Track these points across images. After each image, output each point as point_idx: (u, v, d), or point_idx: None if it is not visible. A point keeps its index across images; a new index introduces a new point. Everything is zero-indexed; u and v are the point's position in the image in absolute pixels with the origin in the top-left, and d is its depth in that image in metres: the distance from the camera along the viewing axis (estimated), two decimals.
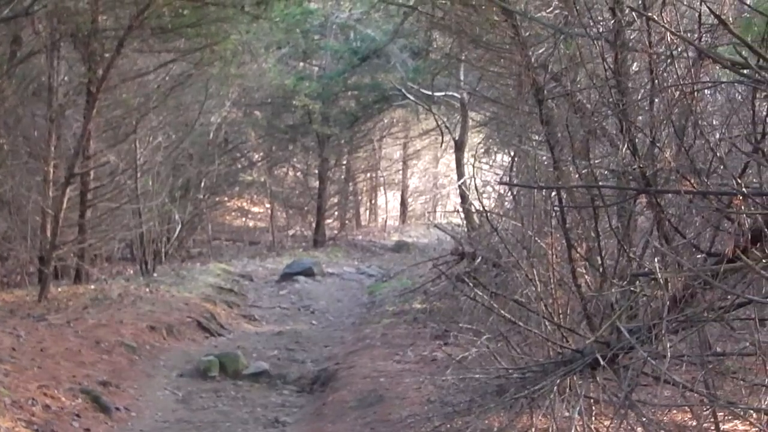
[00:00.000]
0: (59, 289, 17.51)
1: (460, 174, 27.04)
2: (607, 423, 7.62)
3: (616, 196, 8.21)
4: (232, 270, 24.87)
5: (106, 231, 20.99)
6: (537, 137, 12.44)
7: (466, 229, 20.28)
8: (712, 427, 7.15)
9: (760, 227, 6.08)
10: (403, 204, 43.58)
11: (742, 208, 5.97)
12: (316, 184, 36.11)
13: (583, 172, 8.64)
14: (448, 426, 8.66)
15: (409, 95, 29.90)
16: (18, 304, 15.75)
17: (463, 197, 23.62)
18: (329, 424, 10.79)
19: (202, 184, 29.24)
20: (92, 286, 18.40)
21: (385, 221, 42.48)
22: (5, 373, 10.88)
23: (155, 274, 21.61)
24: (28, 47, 17.77)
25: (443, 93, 28.21)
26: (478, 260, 15.16)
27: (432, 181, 45.29)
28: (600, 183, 8.39)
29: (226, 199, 35.62)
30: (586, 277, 8.65)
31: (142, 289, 18.40)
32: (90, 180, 19.12)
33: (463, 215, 21.61)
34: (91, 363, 12.61)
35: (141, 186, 21.29)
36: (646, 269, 7.36)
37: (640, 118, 8.26)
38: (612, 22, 8.61)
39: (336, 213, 39.07)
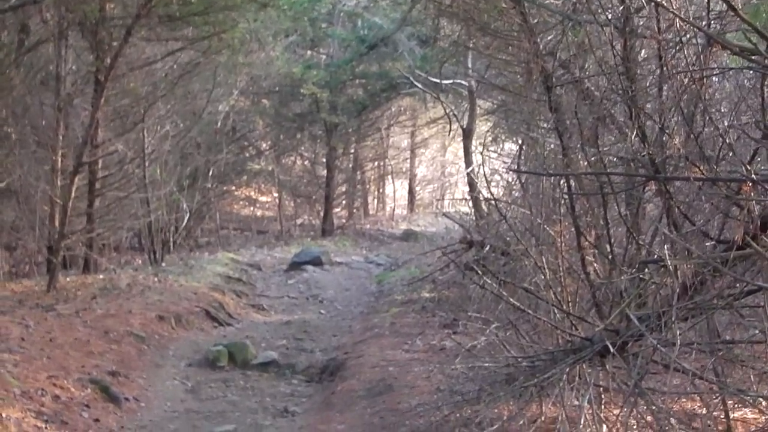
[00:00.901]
0: (68, 279, 17.53)
1: (468, 162, 27.01)
2: (616, 411, 7.61)
3: (625, 183, 8.20)
4: (241, 259, 24.86)
5: (114, 220, 21.04)
6: (545, 125, 12.41)
7: (474, 218, 20.23)
8: (722, 415, 7.15)
9: None
10: (411, 193, 43.56)
11: (752, 194, 5.95)
12: (324, 172, 36.14)
13: (592, 159, 8.61)
14: (458, 415, 8.66)
15: (416, 83, 29.85)
16: (27, 294, 15.77)
17: (472, 185, 23.57)
18: (338, 413, 10.79)
19: (210, 173, 29.26)
20: (101, 276, 18.42)
21: (393, 210, 42.47)
22: (14, 364, 10.89)
23: (164, 264, 21.64)
24: (36, 36, 17.80)
25: (451, 81, 28.11)
26: (487, 248, 15.12)
27: (440, 170, 45.28)
28: (609, 170, 8.36)
29: (233, 188, 35.64)
30: (595, 264, 8.63)
31: (151, 279, 18.41)
32: (98, 169, 19.17)
33: (471, 203, 21.59)
34: (99, 353, 12.62)
35: (149, 175, 21.34)
36: (656, 256, 7.34)
37: (649, 105, 8.22)
38: (620, 8, 8.57)
39: (344, 202, 39.08)
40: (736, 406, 7.33)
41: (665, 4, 7.03)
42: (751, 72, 6.89)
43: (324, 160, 36.40)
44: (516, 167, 13.62)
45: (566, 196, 8.91)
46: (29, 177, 18.27)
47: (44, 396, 10.23)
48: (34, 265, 19.56)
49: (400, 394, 10.62)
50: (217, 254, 25.01)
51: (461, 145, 30.10)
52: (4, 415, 9.15)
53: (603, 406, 7.85)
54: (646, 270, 7.47)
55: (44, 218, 18.04)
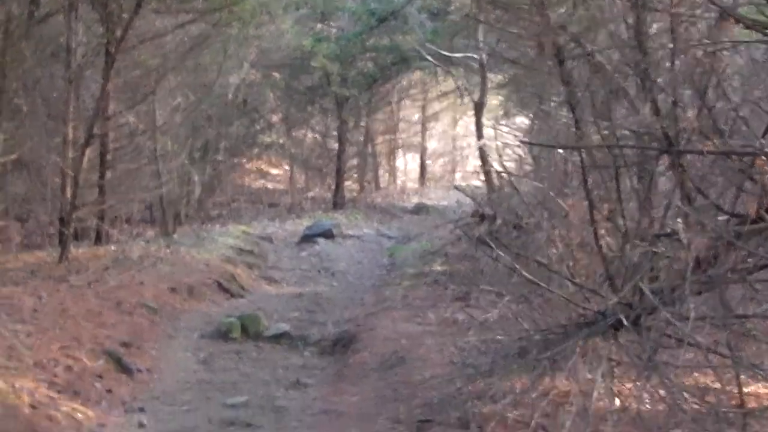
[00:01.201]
0: (80, 251, 17.53)
1: (480, 136, 26.93)
2: (629, 385, 7.61)
3: (638, 156, 8.17)
4: (252, 232, 24.84)
5: (125, 192, 21.06)
6: (557, 98, 12.39)
7: (486, 191, 20.23)
8: (735, 389, 7.14)
9: None
10: (422, 166, 43.43)
11: (766, 168, 5.93)
12: (335, 146, 36.05)
13: (604, 132, 8.59)
14: (470, 387, 8.67)
15: (427, 57, 29.72)
16: (39, 266, 15.78)
17: (483, 159, 23.53)
18: (351, 385, 10.81)
19: (221, 145, 29.28)
20: (113, 248, 18.42)
21: (405, 183, 42.39)
22: (27, 334, 10.92)
23: (175, 236, 21.63)
24: (46, 8, 17.74)
25: (462, 54, 27.95)
26: (499, 222, 15.10)
27: (451, 143, 45.16)
28: (621, 143, 8.34)
29: (245, 160, 35.62)
30: (608, 238, 8.62)
31: (163, 251, 18.42)
32: (109, 141, 19.20)
33: (483, 177, 21.58)
34: (112, 324, 12.63)
35: (160, 147, 21.35)
36: (669, 230, 7.34)
37: (661, 79, 8.20)
38: None
39: (355, 175, 38.97)
40: (749, 380, 7.33)
41: None
42: (765, 45, 6.88)
43: (335, 133, 36.30)
44: (528, 140, 13.61)
45: (578, 169, 8.88)
46: (40, 149, 18.28)
47: (57, 366, 10.25)
48: (46, 236, 19.58)
49: (413, 367, 10.63)
50: (228, 227, 25.01)
51: (472, 118, 30.02)
52: (17, 385, 9.18)
53: (616, 380, 7.85)
54: (660, 243, 7.46)
55: (56, 190, 18.05)
